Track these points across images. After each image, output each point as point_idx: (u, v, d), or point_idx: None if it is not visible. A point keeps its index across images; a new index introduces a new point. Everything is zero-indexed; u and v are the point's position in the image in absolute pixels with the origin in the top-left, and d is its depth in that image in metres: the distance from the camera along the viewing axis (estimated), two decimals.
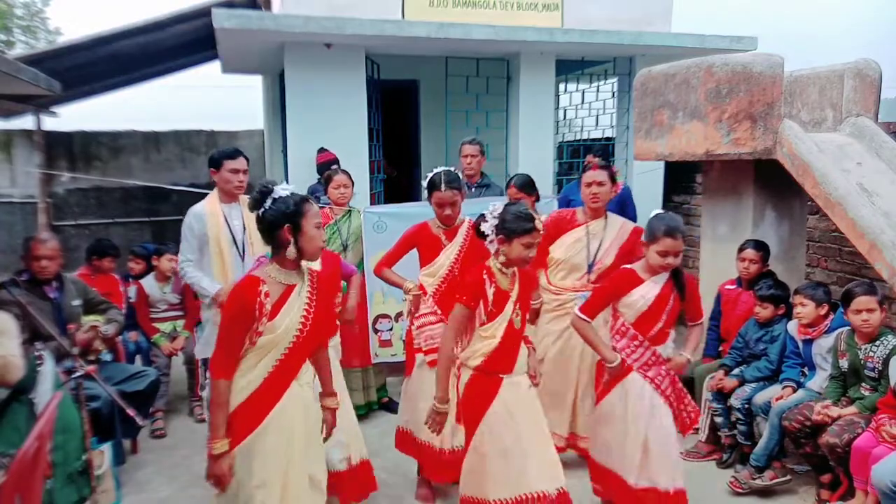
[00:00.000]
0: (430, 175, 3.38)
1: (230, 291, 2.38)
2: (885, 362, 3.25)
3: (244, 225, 3.67)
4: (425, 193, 3.41)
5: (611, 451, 2.94)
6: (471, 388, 2.71)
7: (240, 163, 3.65)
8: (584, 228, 3.60)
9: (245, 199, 3.70)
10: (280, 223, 2.29)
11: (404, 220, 4.50)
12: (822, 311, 3.56)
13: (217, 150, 3.81)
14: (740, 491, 3.49)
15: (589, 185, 3.53)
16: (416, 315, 3.37)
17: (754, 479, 3.48)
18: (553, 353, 3.61)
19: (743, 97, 3.76)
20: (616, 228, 3.61)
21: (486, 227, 2.66)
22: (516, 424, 2.64)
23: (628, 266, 2.93)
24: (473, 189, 5.07)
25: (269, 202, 2.29)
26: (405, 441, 3.50)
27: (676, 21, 6.61)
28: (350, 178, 4.41)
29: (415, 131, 7.77)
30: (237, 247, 3.66)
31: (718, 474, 3.72)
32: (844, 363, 3.43)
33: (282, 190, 2.32)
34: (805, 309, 3.57)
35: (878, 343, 3.32)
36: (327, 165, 4.86)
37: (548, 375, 3.56)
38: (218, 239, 3.62)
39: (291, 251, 2.31)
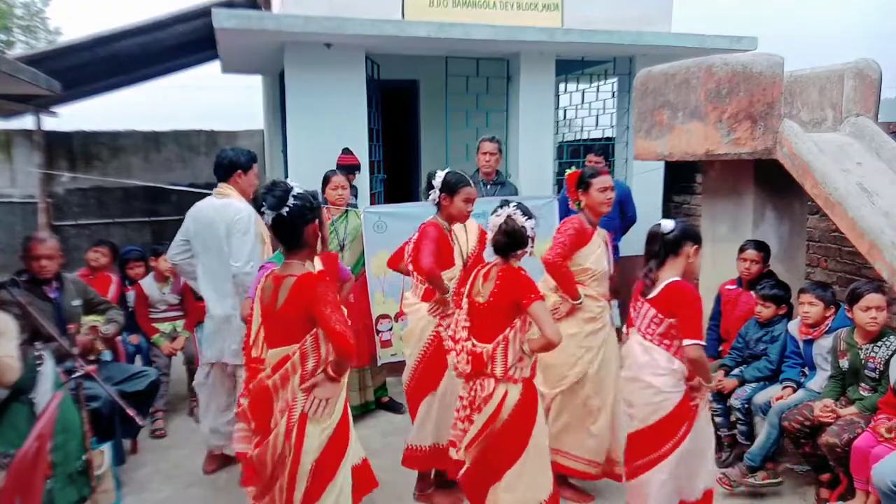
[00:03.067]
0: (445, 175, 3.38)
1: (325, 282, 2.40)
2: (888, 363, 3.25)
3: None
4: (435, 194, 3.40)
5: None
6: (529, 402, 2.72)
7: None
8: (598, 236, 3.48)
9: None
10: (309, 219, 2.36)
11: (404, 220, 4.52)
12: (829, 313, 3.57)
13: (241, 153, 3.69)
14: (729, 489, 3.49)
15: (605, 189, 3.43)
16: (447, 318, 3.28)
17: (746, 478, 3.48)
18: (594, 370, 3.39)
19: (743, 97, 3.76)
20: None
21: (529, 229, 2.74)
22: None
23: (680, 279, 2.75)
24: (489, 187, 5.08)
25: (291, 200, 2.31)
26: (435, 456, 3.39)
27: (676, 21, 6.61)
28: (348, 179, 4.42)
29: (415, 131, 7.77)
30: None
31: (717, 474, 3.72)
32: (844, 363, 3.42)
33: (297, 187, 2.36)
34: (814, 309, 3.57)
35: (879, 344, 3.32)
36: (346, 169, 4.93)
37: (588, 395, 3.40)
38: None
39: (319, 245, 2.41)
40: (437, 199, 3.41)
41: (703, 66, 3.92)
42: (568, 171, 3.62)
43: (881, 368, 3.28)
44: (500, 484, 2.71)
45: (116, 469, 3.40)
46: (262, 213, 2.40)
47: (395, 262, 3.72)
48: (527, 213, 2.75)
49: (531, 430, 2.72)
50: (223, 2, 6.38)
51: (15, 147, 8.85)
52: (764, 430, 3.51)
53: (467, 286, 2.84)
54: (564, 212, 5.39)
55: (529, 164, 6.00)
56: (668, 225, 2.79)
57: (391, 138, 6.72)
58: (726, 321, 4.14)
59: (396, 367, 5.00)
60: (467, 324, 2.77)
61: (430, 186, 3.42)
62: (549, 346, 2.61)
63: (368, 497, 2.94)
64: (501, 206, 2.78)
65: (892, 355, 3.25)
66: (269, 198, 2.32)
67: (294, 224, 2.33)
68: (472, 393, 2.72)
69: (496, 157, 4.95)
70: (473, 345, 2.73)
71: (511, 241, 2.72)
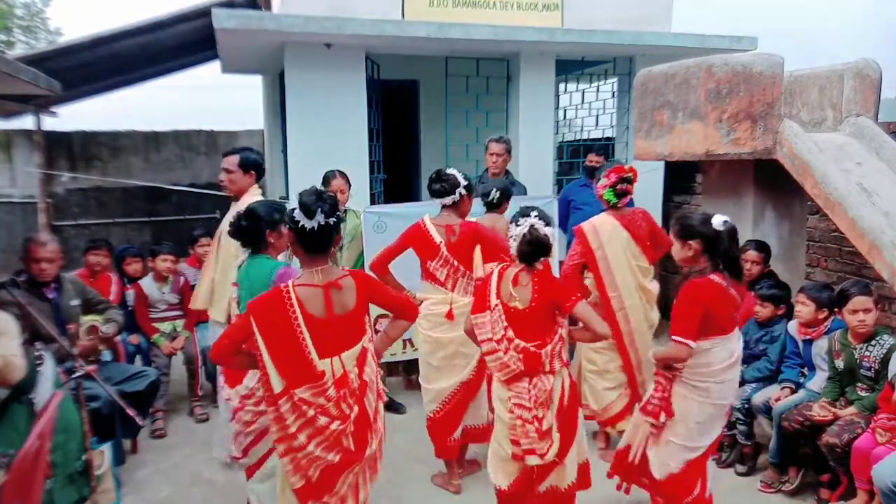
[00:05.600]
0: (461, 176, 3.47)
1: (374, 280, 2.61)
2: (883, 362, 3.25)
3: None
4: (462, 192, 3.46)
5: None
6: (574, 383, 2.84)
7: (223, 160, 3.56)
8: None
9: (239, 204, 3.41)
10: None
11: (404, 221, 4.49)
12: (822, 315, 3.56)
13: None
14: (769, 491, 3.52)
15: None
16: None
17: (783, 480, 3.52)
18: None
19: (743, 97, 3.76)
20: None
21: (550, 236, 2.76)
22: None
23: None
24: None
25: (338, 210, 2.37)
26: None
27: (676, 21, 6.61)
28: (347, 180, 4.41)
29: (415, 131, 7.77)
30: None
31: (717, 473, 3.72)
32: (840, 363, 3.42)
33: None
34: (806, 308, 3.57)
35: (873, 343, 3.31)
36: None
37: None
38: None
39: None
40: (459, 198, 3.46)
41: (703, 66, 3.92)
42: (619, 164, 3.79)
43: (877, 368, 3.28)
44: (563, 467, 2.77)
45: (116, 469, 3.40)
46: (291, 219, 2.32)
47: (383, 269, 3.60)
48: (546, 220, 2.74)
49: (577, 410, 2.84)
50: (223, 2, 6.37)
51: (15, 147, 8.84)
52: (774, 433, 3.53)
53: (492, 289, 2.77)
54: (564, 212, 5.39)
55: (529, 164, 6.00)
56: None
57: (391, 138, 6.72)
58: None
59: (396, 368, 5.01)
60: (506, 323, 2.71)
61: (453, 185, 3.45)
62: (598, 339, 2.78)
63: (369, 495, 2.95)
64: (522, 216, 2.73)
65: (886, 354, 3.25)
66: (325, 206, 2.30)
67: (333, 232, 2.35)
68: (532, 392, 2.69)
69: (504, 157, 4.96)
70: (524, 346, 2.69)
71: (536, 250, 2.70)
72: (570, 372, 2.84)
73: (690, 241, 2.75)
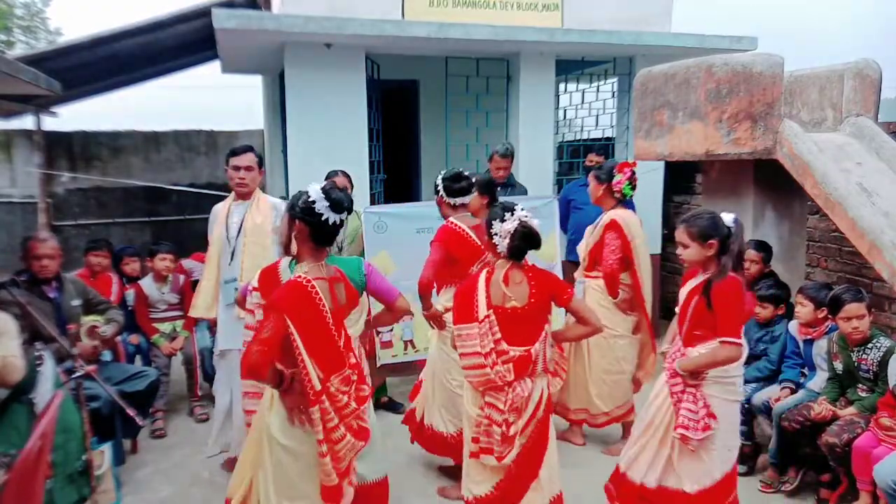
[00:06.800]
0: (473, 176, 3.50)
1: None
2: (881, 364, 3.25)
3: (241, 226, 3.52)
4: (472, 194, 3.49)
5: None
6: (550, 393, 2.82)
7: (240, 159, 3.51)
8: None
9: (265, 199, 3.57)
10: None
11: (405, 221, 4.51)
12: (821, 315, 3.55)
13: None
14: (769, 491, 3.51)
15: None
16: None
17: (783, 480, 3.52)
18: None
19: (743, 97, 3.76)
20: None
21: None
22: None
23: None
24: (499, 189, 5.11)
25: None
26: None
27: (676, 21, 6.61)
28: (350, 180, 4.41)
29: (415, 131, 7.77)
30: (228, 247, 3.55)
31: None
32: (838, 365, 3.42)
33: None
34: (804, 309, 3.57)
35: (870, 346, 3.31)
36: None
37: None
38: (216, 239, 3.61)
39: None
40: None
41: (703, 66, 3.92)
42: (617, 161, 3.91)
43: (875, 370, 3.28)
44: (539, 481, 2.69)
45: (116, 469, 3.40)
46: (311, 213, 2.34)
47: (430, 287, 3.40)
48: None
49: (550, 420, 2.78)
50: (223, 2, 6.37)
51: (15, 147, 8.84)
52: (774, 432, 3.53)
53: (481, 297, 2.66)
54: (564, 212, 5.39)
55: (529, 164, 6.00)
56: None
57: (391, 138, 6.72)
58: None
59: (398, 368, 5.01)
60: (499, 335, 2.61)
61: (472, 184, 3.51)
62: (594, 332, 2.79)
63: None
64: (507, 211, 2.65)
65: (883, 356, 3.24)
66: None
67: (341, 227, 2.43)
68: (510, 395, 2.61)
69: (510, 170, 5.04)
70: (514, 351, 2.62)
71: (528, 244, 2.65)
72: (549, 382, 2.77)
73: (711, 241, 2.63)
